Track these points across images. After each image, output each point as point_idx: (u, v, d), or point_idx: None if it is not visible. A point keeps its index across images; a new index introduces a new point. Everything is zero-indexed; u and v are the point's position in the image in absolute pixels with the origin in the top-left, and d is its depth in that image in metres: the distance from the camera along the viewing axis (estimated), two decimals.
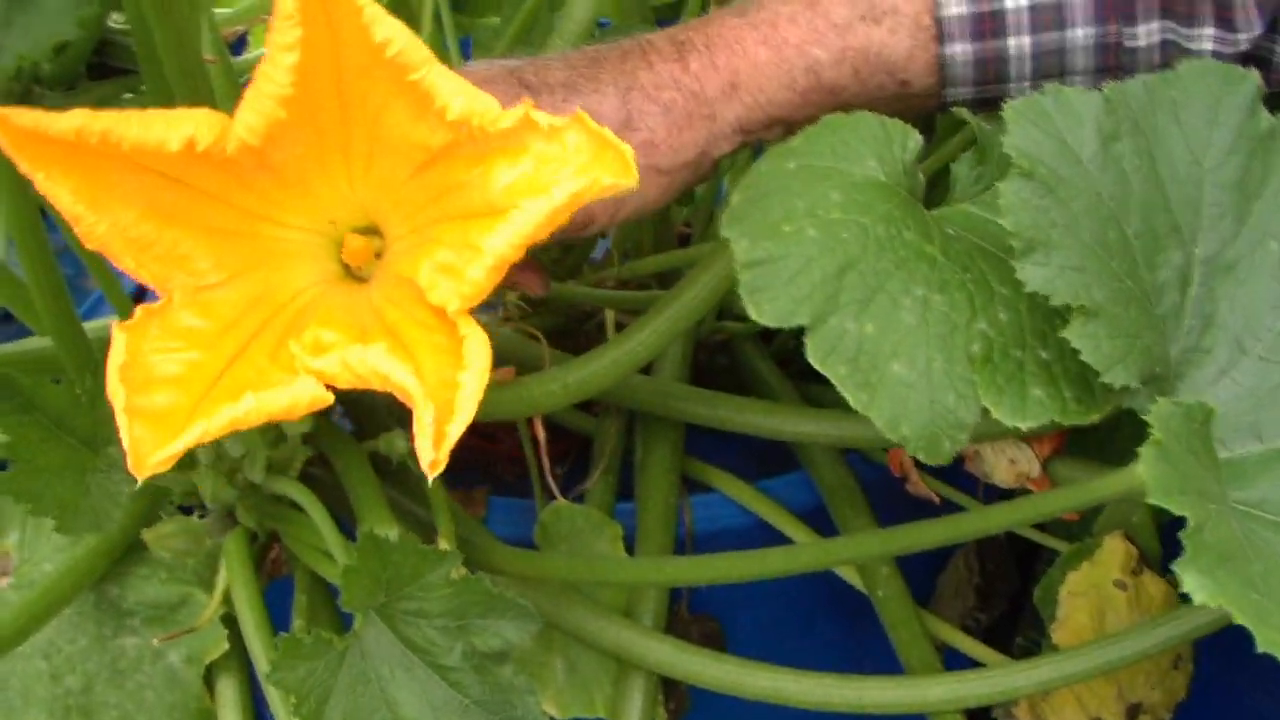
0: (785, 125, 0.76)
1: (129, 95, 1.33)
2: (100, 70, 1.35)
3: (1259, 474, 0.57)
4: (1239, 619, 0.50)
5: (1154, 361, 0.57)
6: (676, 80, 0.74)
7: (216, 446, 0.79)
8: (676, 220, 1.20)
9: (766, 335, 1.07)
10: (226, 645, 0.83)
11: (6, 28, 0.69)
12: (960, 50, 0.72)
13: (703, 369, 1.07)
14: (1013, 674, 0.79)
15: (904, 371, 0.59)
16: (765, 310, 0.60)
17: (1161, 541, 0.91)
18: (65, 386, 0.74)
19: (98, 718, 0.83)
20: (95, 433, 0.75)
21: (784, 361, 1.07)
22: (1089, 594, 0.86)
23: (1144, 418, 0.51)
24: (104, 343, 0.82)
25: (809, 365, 1.04)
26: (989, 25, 0.71)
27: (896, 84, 0.73)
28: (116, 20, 1.07)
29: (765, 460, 1.01)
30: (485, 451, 1.05)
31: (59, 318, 0.77)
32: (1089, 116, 0.58)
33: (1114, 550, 0.87)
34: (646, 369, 0.99)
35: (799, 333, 0.67)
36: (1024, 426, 0.57)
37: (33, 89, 0.98)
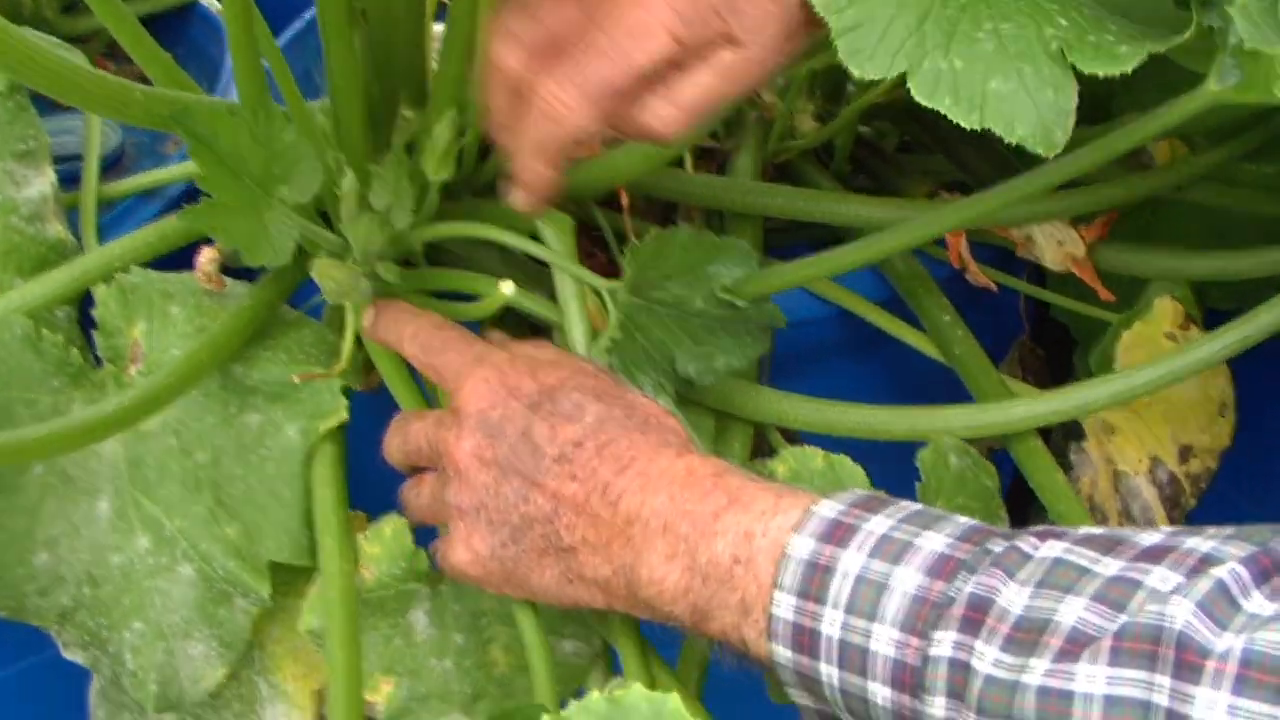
0: None
1: None
2: None
3: None
4: None
5: None
6: None
7: (360, 198, 0.86)
8: None
9: (825, 156, 1.15)
10: (346, 415, 0.86)
11: None
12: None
13: None
14: (1083, 390, 0.87)
15: (1001, 86, 0.67)
16: (867, 67, 0.68)
17: (1201, 309, 0.99)
18: (241, 125, 0.78)
19: (225, 489, 0.86)
20: (268, 173, 0.81)
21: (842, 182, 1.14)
22: (1143, 345, 0.94)
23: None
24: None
25: (864, 184, 1.12)
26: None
27: None
28: None
29: None
30: None
31: (243, 51, 0.82)
32: None
33: (1164, 308, 0.96)
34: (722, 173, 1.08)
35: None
36: (1129, 69, 0.66)
37: None
